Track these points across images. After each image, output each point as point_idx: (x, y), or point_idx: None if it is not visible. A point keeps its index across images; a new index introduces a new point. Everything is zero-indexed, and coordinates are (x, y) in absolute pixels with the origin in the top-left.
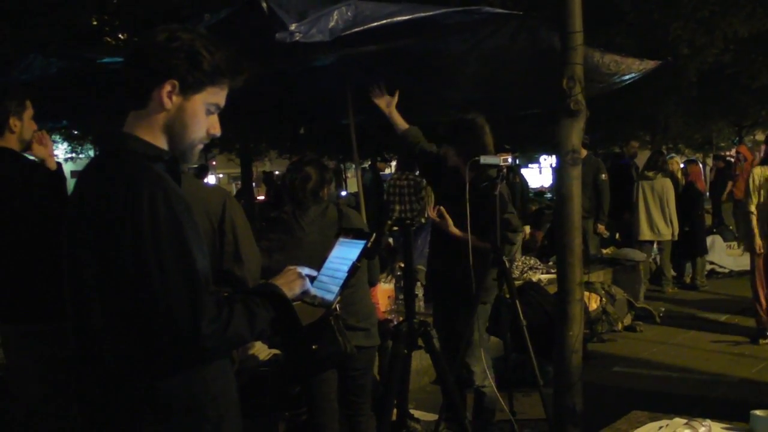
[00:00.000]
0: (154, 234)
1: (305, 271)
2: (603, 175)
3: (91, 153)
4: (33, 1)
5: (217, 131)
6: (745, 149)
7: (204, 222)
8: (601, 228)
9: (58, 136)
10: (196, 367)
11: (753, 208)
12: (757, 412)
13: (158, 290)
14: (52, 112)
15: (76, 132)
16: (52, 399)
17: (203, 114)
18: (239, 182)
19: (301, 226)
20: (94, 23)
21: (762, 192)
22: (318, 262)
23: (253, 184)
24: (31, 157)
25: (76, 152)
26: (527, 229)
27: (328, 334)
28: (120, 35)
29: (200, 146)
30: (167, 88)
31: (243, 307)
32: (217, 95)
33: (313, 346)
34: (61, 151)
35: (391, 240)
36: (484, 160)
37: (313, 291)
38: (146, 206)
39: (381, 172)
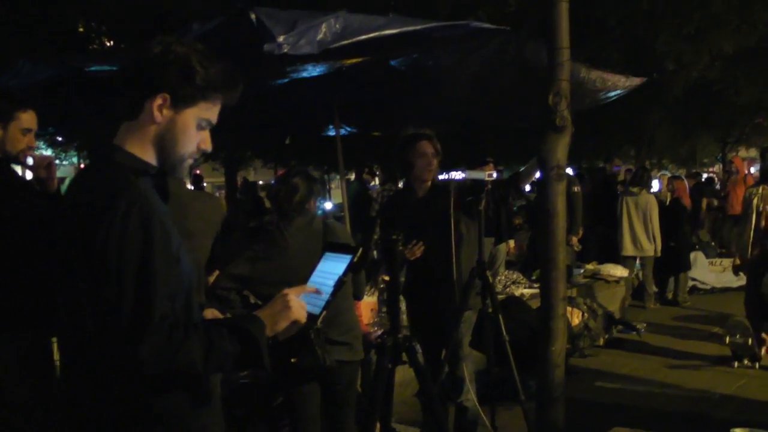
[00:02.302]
0: (119, 250)
1: (297, 297)
2: (575, 188)
3: (75, 160)
4: (19, 7)
5: (207, 147)
6: (739, 161)
7: (204, 233)
8: (573, 240)
9: (42, 143)
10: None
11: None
12: (737, 430)
13: (112, 304)
14: (39, 119)
15: (60, 139)
16: (35, 407)
17: (194, 129)
18: (223, 191)
19: (284, 236)
20: (81, 30)
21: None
22: (301, 273)
23: (237, 194)
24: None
25: (59, 159)
26: (511, 243)
27: (307, 347)
28: (107, 42)
29: (190, 161)
30: (158, 101)
31: (203, 337)
32: (210, 111)
33: (292, 359)
34: None
35: (375, 252)
36: (469, 174)
37: (303, 320)
38: (119, 221)
39: (369, 184)
